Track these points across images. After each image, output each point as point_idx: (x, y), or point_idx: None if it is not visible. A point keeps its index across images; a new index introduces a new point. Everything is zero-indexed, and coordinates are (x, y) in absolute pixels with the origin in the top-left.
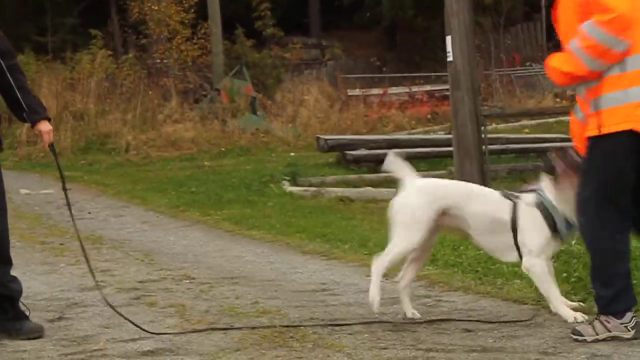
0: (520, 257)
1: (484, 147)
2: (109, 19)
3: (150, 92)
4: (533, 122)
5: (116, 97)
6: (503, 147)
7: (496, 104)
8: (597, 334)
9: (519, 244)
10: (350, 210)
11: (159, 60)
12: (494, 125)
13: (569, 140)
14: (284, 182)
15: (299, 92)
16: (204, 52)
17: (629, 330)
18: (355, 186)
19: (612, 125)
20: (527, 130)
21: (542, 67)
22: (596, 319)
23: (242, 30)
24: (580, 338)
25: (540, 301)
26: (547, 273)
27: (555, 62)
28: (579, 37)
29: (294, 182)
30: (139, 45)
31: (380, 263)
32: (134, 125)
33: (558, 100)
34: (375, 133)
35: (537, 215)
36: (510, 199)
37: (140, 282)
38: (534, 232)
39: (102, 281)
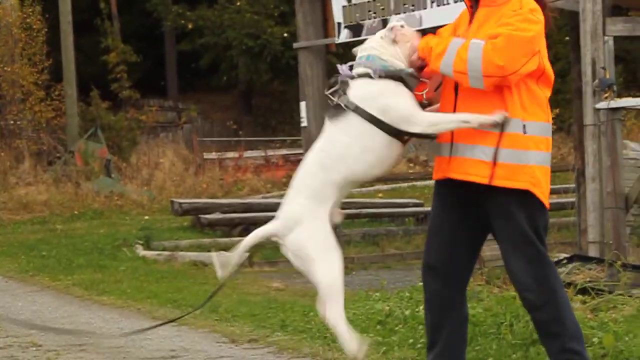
0: None
1: None
2: None
3: (2, 154)
4: (387, 186)
5: None
6: (357, 211)
7: None
8: None
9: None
10: (203, 275)
11: (12, 122)
12: None
13: (421, 205)
14: (137, 246)
15: (154, 155)
16: (58, 114)
17: None
18: (209, 250)
19: None
20: (380, 194)
21: None
22: None
23: (97, 92)
24: None
25: None
26: None
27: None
28: (463, 45)
29: (147, 246)
30: None
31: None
32: None
33: (411, 165)
34: (230, 197)
35: (378, 84)
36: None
37: None
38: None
39: None
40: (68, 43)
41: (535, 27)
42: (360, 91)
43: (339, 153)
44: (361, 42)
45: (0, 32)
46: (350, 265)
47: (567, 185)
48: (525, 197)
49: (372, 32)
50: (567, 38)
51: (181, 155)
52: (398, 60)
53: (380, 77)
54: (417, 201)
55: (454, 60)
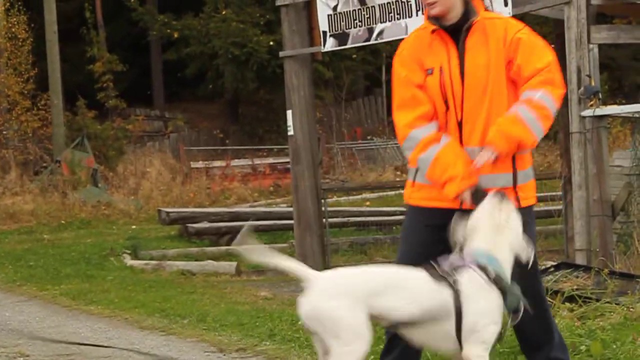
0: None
1: (324, 220)
2: None
3: None
4: (374, 195)
5: None
6: (344, 220)
7: (338, 177)
8: None
9: (466, 332)
10: (191, 284)
11: None
12: (335, 199)
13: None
14: (125, 255)
15: (141, 164)
16: (44, 123)
17: None
18: (196, 259)
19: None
20: (368, 203)
21: (383, 141)
22: None
23: (83, 102)
24: None
25: None
26: None
27: (504, 126)
28: (532, 106)
29: (135, 256)
30: None
31: None
32: None
33: (398, 173)
34: (217, 205)
35: (490, 293)
36: (446, 280)
37: None
38: (489, 317)
39: None
40: (54, 52)
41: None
42: (470, 287)
43: (402, 297)
44: (346, 50)
45: None
46: None
47: (553, 193)
48: (527, 209)
49: (358, 40)
50: (552, 46)
51: (168, 164)
52: (508, 260)
53: (493, 282)
54: (405, 209)
55: (542, 124)
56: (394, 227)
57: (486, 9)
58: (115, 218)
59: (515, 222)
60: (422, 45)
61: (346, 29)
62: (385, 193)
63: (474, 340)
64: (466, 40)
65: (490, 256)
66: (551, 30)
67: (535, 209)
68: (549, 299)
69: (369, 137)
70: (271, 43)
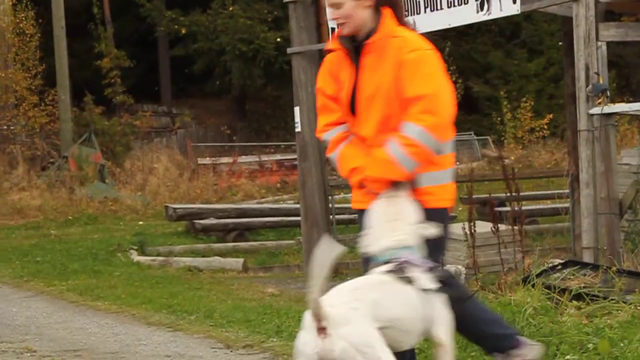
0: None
1: (331, 216)
2: None
3: None
4: None
5: None
6: (351, 216)
7: None
8: None
9: (435, 319)
10: (198, 280)
11: (5, 127)
12: (342, 195)
13: None
14: (132, 251)
15: (148, 160)
16: (52, 119)
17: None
18: (203, 255)
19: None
20: None
21: None
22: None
23: (91, 97)
24: None
25: None
26: None
27: (373, 168)
28: (404, 143)
29: (142, 252)
30: None
31: None
32: None
33: None
34: (224, 202)
35: (433, 280)
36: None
37: None
38: (444, 302)
39: None
40: (61, 48)
41: (436, 58)
42: (423, 279)
43: (400, 304)
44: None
45: None
46: (345, 271)
47: (561, 191)
48: (436, 210)
49: None
50: (560, 43)
51: (175, 160)
52: (417, 245)
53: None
54: None
55: (414, 160)
56: None
57: (402, 24)
58: (122, 214)
59: (407, 210)
60: (340, 60)
61: None
62: None
63: (441, 324)
64: (361, 59)
65: (409, 247)
66: (559, 28)
67: (542, 206)
68: (556, 296)
69: None
70: (278, 39)
